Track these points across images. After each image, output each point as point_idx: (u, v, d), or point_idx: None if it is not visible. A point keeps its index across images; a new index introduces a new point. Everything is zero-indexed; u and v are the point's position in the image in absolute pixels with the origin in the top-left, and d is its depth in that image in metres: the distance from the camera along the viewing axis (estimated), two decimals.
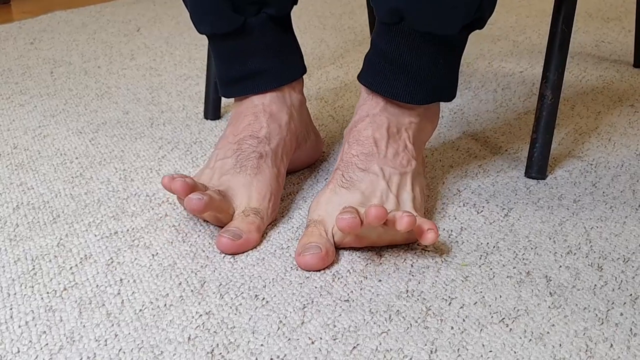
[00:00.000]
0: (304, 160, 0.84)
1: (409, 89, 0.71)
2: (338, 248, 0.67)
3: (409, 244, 0.68)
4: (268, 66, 0.78)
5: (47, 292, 0.61)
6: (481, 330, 0.56)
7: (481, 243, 0.68)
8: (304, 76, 1.19)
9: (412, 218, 0.61)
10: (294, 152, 0.80)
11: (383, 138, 0.71)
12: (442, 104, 1.04)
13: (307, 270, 0.64)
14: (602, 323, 0.57)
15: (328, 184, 0.70)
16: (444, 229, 0.71)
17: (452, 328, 0.56)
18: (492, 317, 0.58)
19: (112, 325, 0.57)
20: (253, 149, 0.74)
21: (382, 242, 0.66)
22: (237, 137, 0.75)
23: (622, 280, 0.62)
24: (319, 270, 0.64)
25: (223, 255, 0.67)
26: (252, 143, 0.74)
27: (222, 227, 0.70)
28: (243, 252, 0.67)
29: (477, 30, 0.72)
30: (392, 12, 0.68)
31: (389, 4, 0.67)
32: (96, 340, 0.55)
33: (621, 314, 0.58)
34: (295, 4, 0.80)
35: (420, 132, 0.75)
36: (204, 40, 1.43)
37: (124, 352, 0.54)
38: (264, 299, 0.60)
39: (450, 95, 0.75)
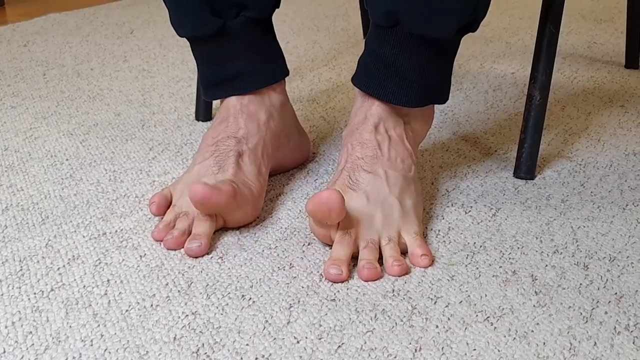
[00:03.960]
0: (289, 160, 0.84)
1: (403, 91, 0.71)
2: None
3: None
4: (248, 69, 0.78)
5: (34, 293, 0.62)
6: (466, 328, 0.56)
7: (468, 242, 0.69)
8: (298, 78, 1.19)
9: (403, 268, 0.63)
10: (276, 151, 0.80)
11: (384, 141, 0.71)
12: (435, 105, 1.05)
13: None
14: (587, 321, 0.57)
15: (333, 183, 0.70)
16: (431, 229, 0.72)
17: (436, 327, 0.56)
18: (477, 315, 0.58)
19: (99, 325, 0.57)
20: (231, 148, 0.74)
21: None
22: (215, 139, 0.76)
23: (607, 279, 0.63)
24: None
25: (211, 256, 0.67)
26: (230, 143, 0.75)
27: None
28: (215, 202, 0.66)
29: (471, 33, 0.72)
30: (387, 15, 0.68)
31: (385, 7, 0.68)
32: (82, 340, 0.56)
33: (605, 313, 0.58)
34: (277, 7, 0.80)
35: (415, 133, 0.75)
36: None
37: (110, 352, 0.54)
38: (250, 299, 0.61)
39: (443, 98, 0.75)
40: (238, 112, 0.77)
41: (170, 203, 0.72)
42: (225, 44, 0.77)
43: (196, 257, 0.66)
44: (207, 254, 0.67)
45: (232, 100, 0.78)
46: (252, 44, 0.78)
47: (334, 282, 0.62)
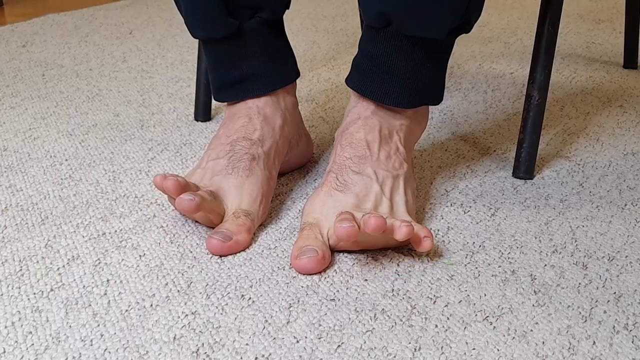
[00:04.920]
0: (294, 163, 0.85)
1: (397, 92, 0.71)
2: (333, 251, 0.67)
3: None
4: (262, 70, 0.78)
5: (34, 293, 0.62)
6: (465, 328, 0.56)
7: (467, 242, 0.69)
8: None
9: (410, 228, 0.61)
10: (286, 155, 0.80)
11: (375, 140, 0.71)
12: (431, 106, 1.05)
13: (303, 274, 0.64)
14: (586, 321, 0.57)
15: (321, 186, 0.70)
16: (430, 229, 0.72)
17: (436, 326, 0.57)
18: (476, 315, 0.58)
19: (98, 325, 0.57)
20: (246, 150, 0.74)
21: (376, 246, 0.67)
22: (230, 138, 0.76)
23: (606, 279, 0.63)
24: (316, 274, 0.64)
25: (210, 255, 0.67)
26: (245, 145, 0.75)
27: (211, 228, 0.70)
28: (232, 254, 0.67)
29: (466, 34, 0.72)
30: (380, 16, 0.68)
31: (377, 8, 0.68)
32: (82, 340, 0.56)
33: (604, 312, 0.58)
34: (288, 8, 0.81)
35: (410, 134, 0.75)
36: (195, 42, 1.43)
37: (110, 352, 0.54)
38: (250, 298, 0.61)
39: (437, 99, 0.75)
40: (254, 113, 0.77)
41: (183, 189, 0.68)
42: (240, 45, 0.77)
43: (185, 214, 0.65)
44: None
45: (249, 101, 0.78)
46: (266, 45, 0.78)
47: (347, 235, 0.60)
